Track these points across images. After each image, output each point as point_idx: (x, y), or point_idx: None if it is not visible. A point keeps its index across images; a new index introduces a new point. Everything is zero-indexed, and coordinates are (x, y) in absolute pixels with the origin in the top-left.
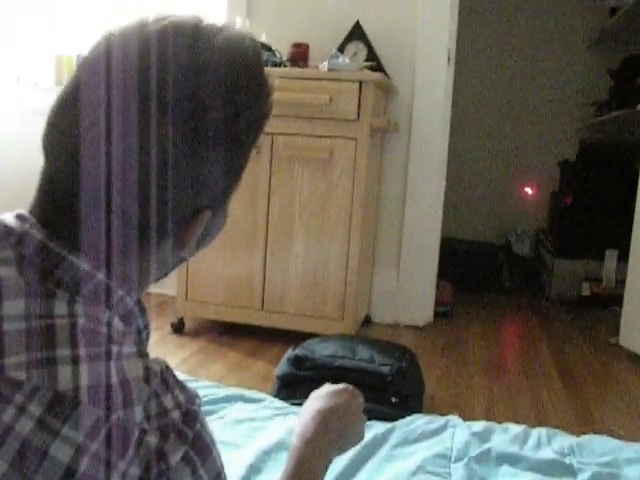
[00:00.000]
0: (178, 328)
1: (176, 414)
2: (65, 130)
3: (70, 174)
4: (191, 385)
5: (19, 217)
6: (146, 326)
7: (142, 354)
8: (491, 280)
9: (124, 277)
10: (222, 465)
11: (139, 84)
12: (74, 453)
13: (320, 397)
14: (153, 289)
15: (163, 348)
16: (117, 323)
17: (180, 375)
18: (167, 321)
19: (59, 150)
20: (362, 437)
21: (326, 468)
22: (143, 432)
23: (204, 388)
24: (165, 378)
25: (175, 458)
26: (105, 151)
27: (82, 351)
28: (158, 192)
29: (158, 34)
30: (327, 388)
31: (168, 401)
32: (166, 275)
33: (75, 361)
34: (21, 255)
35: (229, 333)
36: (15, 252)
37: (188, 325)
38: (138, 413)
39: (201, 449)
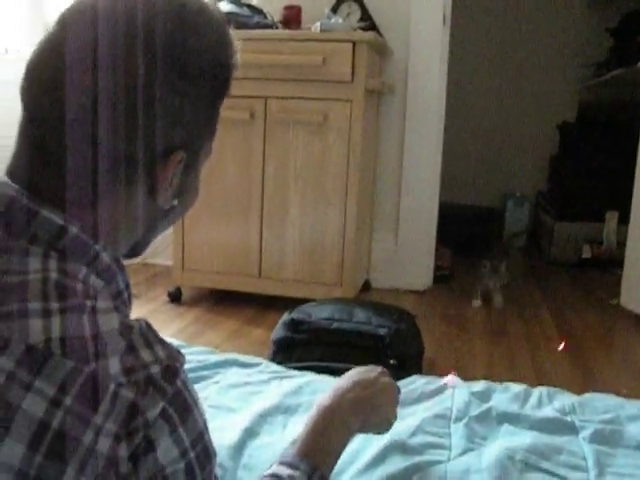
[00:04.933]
0: (175, 297)
1: (155, 368)
2: (49, 77)
3: (47, 117)
4: (185, 350)
5: None
6: (127, 286)
7: (118, 309)
8: (489, 245)
9: (99, 229)
10: (206, 427)
11: (125, 17)
12: (48, 407)
13: (346, 375)
14: (149, 259)
15: (160, 318)
16: (94, 280)
17: (175, 342)
18: (164, 291)
19: (40, 94)
20: (394, 417)
21: (345, 439)
22: (119, 385)
23: (198, 354)
24: (144, 334)
25: (153, 413)
26: (84, 86)
27: (54, 305)
28: (131, 122)
29: None
30: (357, 368)
31: (147, 355)
32: (150, 235)
33: (47, 314)
34: None
35: (227, 301)
36: None
37: (185, 294)
38: (113, 365)
39: (181, 407)
